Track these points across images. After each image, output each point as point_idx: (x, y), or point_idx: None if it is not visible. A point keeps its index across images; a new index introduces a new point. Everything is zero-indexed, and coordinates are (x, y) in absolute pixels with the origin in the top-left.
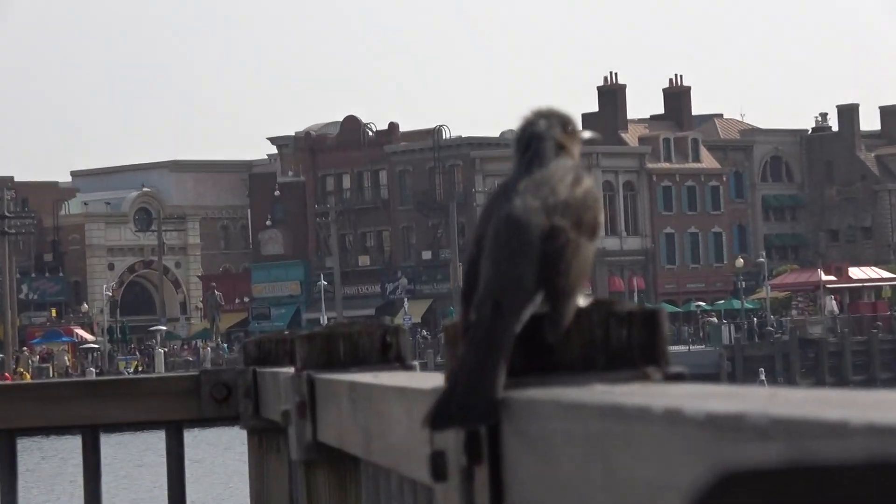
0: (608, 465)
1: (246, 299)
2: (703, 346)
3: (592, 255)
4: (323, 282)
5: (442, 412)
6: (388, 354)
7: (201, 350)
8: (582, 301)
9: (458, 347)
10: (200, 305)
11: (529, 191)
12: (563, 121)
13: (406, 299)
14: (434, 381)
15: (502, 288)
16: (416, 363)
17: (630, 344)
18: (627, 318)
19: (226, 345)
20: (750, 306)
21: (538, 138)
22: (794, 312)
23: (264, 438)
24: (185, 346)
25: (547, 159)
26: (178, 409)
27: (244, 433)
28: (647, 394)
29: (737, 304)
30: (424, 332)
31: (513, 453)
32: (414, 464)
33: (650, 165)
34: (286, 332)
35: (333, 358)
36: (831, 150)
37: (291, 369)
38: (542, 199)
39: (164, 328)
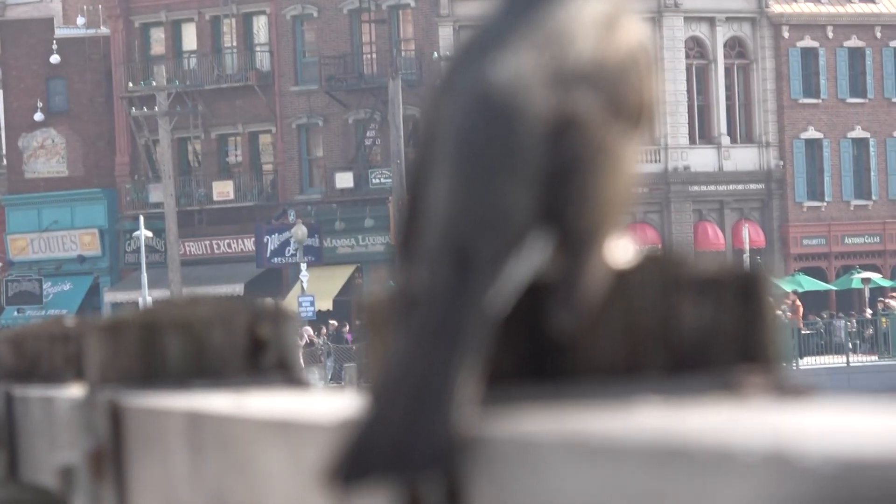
0: None
1: None
2: (876, 358)
3: (635, 164)
4: (143, 231)
5: (359, 455)
6: (262, 360)
7: None
8: (622, 252)
9: (389, 339)
10: None
11: (524, 45)
12: None
13: (304, 265)
14: (347, 405)
15: (472, 224)
16: (313, 375)
17: (712, 332)
18: (706, 287)
19: None
20: None
21: None
22: None
23: None
24: None
25: None
26: None
27: None
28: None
29: None
30: (340, 325)
31: None
32: None
33: (778, 8)
34: (71, 323)
35: (157, 366)
36: None
37: (79, 389)
38: (547, 61)
39: None
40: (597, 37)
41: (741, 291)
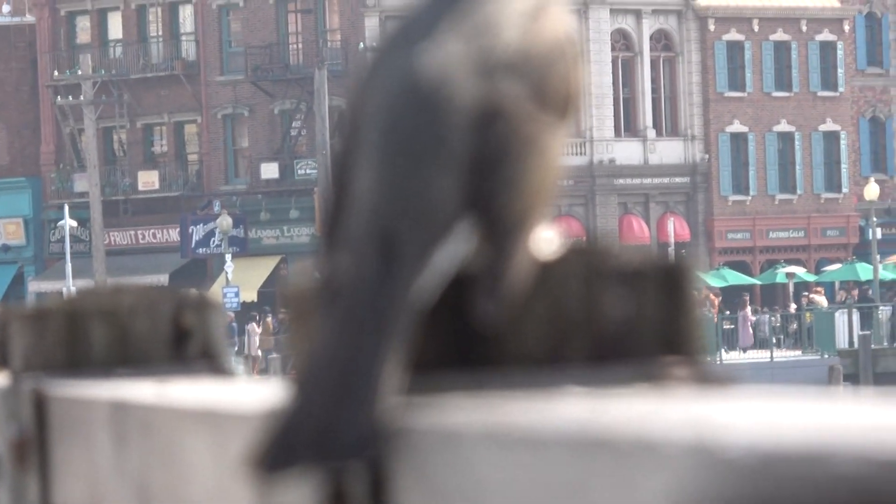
0: None
1: None
2: (800, 353)
3: (561, 154)
4: (68, 221)
5: (283, 444)
6: (186, 348)
7: None
8: (547, 243)
9: (313, 329)
10: None
11: (449, 26)
12: None
13: (229, 256)
14: (271, 393)
15: (397, 211)
16: (237, 364)
17: (635, 324)
18: (629, 279)
19: None
20: (892, 276)
21: None
22: None
23: None
24: None
25: None
26: None
27: None
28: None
29: (866, 271)
30: (266, 318)
31: None
32: None
33: (703, 1)
34: None
35: (81, 355)
36: None
37: (2, 378)
38: (472, 43)
39: None
40: (524, 27)
41: (664, 283)
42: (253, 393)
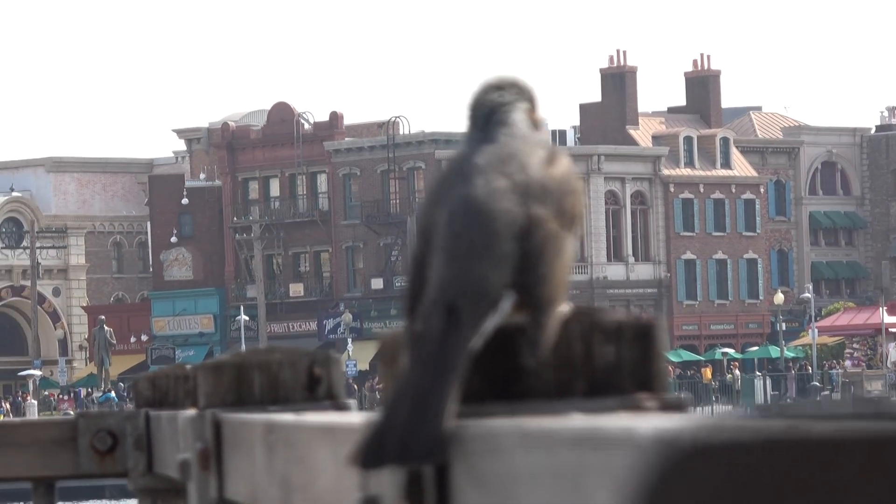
0: None
1: (144, 337)
2: (731, 407)
3: (574, 254)
4: (243, 316)
5: (375, 447)
6: (317, 391)
7: (85, 402)
8: (564, 312)
9: (397, 367)
10: (86, 344)
11: (493, 167)
12: (531, 96)
13: (350, 340)
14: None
15: (459, 291)
16: (351, 402)
17: (618, 364)
18: (616, 331)
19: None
20: (792, 355)
21: (505, 107)
22: (847, 363)
23: (160, 501)
24: (66, 396)
25: (515, 128)
26: (50, 463)
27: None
28: (637, 421)
29: (775, 351)
30: (374, 382)
31: (465, 499)
32: None
33: (667, 172)
34: (188, 367)
35: (246, 395)
36: None
37: (193, 411)
38: (510, 179)
39: (39, 373)
40: (542, 161)
41: (639, 335)
42: (359, 417)
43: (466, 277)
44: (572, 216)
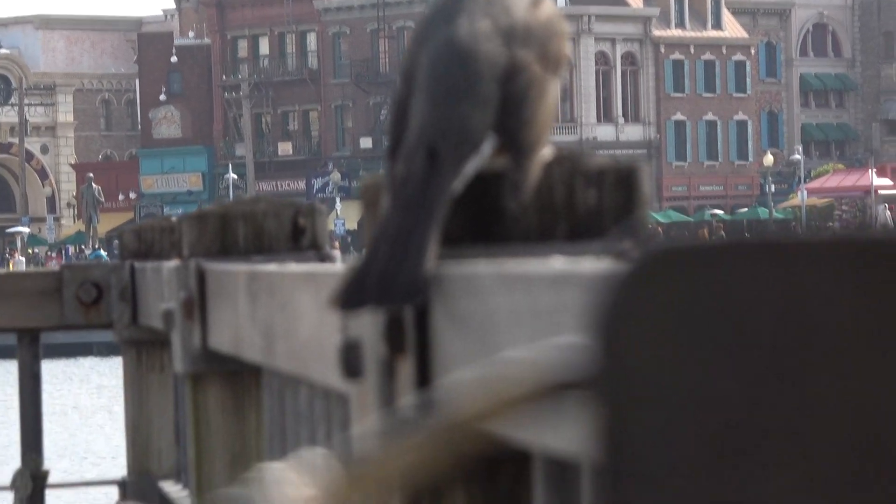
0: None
1: (132, 195)
2: None
3: (557, 98)
4: (231, 174)
5: (355, 289)
6: (301, 241)
7: (74, 258)
8: (545, 157)
9: (379, 210)
10: (74, 202)
11: (477, 8)
12: None
13: (338, 199)
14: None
15: (440, 133)
16: (335, 252)
17: (600, 209)
18: (598, 176)
19: (105, 253)
20: (781, 216)
21: None
22: (836, 225)
23: (144, 353)
24: (54, 254)
25: None
26: (35, 314)
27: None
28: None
29: (764, 212)
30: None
31: (445, 340)
32: (325, 366)
33: (657, 33)
34: (174, 219)
35: (230, 244)
36: (893, 17)
37: (177, 262)
38: (495, 21)
39: (27, 230)
40: (530, 11)
41: (622, 180)
42: (341, 264)
43: (448, 120)
44: (557, 60)
